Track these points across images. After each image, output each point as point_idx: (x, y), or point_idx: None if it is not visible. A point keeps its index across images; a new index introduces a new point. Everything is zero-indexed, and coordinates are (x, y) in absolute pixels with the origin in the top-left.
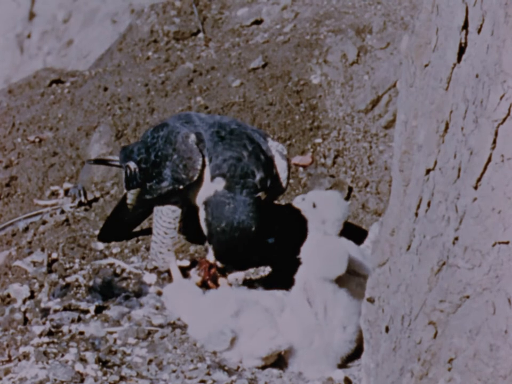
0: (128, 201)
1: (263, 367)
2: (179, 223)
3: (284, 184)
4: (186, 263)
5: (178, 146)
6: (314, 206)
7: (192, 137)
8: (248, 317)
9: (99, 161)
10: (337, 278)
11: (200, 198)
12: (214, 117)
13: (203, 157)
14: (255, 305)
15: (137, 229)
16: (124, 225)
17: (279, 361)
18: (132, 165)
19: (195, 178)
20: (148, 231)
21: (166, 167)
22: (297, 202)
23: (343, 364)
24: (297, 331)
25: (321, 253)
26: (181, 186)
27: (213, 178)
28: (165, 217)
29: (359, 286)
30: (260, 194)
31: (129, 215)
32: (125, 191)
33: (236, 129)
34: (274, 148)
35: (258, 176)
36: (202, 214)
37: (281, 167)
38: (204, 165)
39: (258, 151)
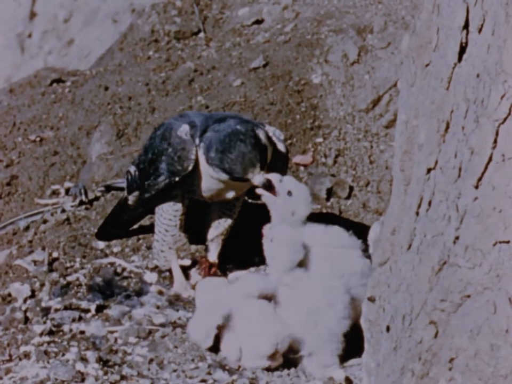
0: (130, 202)
1: (268, 369)
2: (180, 219)
3: (283, 167)
4: (187, 262)
5: (173, 140)
6: (289, 194)
7: (185, 127)
8: (244, 316)
9: (110, 187)
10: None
11: (204, 186)
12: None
13: (196, 146)
14: (251, 303)
15: (138, 227)
16: (123, 224)
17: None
18: (132, 168)
19: (190, 168)
20: (149, 230)
21: (161, 161)
22: (274, 178)
23: (344, 358)
24: (299, 319)
25: (278, 246)
26: (177, 178)
27: (202, 137)
28: (166, 214)
29: (327, 258)
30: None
31: (129, 215)
32: (126, 195)
33: (231, 114)
34: (272, 133)
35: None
36: (210, 169)
37: (280, 148)
38: (197, 145)
39: (254, 128)
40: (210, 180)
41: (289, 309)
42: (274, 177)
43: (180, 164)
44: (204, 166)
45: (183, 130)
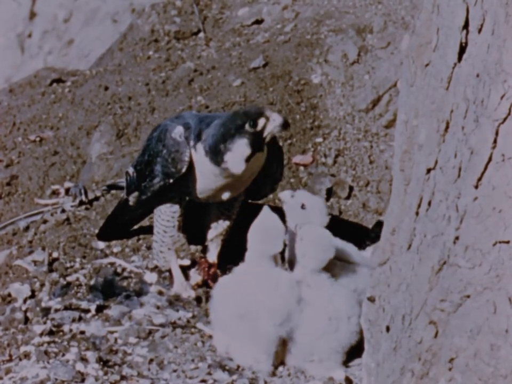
0: (130, 203)
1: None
2: (178, 220)
3: (279, 167)
4: (187, 262)
5: (167, 141)
6: (303, 207)
7: (179, 129)
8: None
9: (113, 187)
10: (327, 265)
11: (199, 188)
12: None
13: (190, 148)
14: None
15: (138, 228)
16: (123, 224)
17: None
18: (130, 170)
19: (183, 170)
20: (149, 230)
21: (156, 163)
22: (285, 197)
23: (345, 360)
24: (316, 322)
25: (307, 244)
26: (171, 180)
27: (199, 138)
28: (164, 216)
29: (354, 273)
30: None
31: (130, 215)
32: (125, 196)
33: (225, 114)
34: (266, 131)
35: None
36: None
37: (275, 148)
38: (192, 147)
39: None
40: (206, 181)
41: (308, 311)
42: (285, 194)
43: (173, 166)
44: (199, 167)
45: (177, 132)
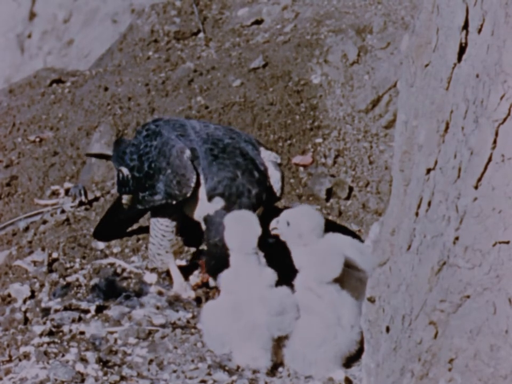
0: (123, 201)
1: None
2: (176, 226)
3: (278, 194)
4: (185, 262)
5: (173, 160)
6: (288, 224)
7: (187, 153)
8: (243, 326)
9: (97, 156)
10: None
11: (197, 214)
12: (208, 128)
13: (197, 175)
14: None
15: (137, 228)
16: (119, 223)
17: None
18: (125, 171)
19: (188, 195)
20: (148, 230)
21: (159, 180)
22: (273, 226)
23: (344, 364)
24: (317, 329)
25: (315, 258)
26: (174, 202)
27: (210, 198)
28: (162, 221)
29: (358, 281)
30: (257, 212)
31: (125, 215)
32: (117, 193)
33: (229, 144)
34: (267, 158)
35: (254, 192)
36: (203, 226)
37: (275, 178)
38: (198, 183)
39: (252, 167)
40: (205, 208)
41: (310, 318)
42: (272, 225)
43: (178, 189)
44: (202, 195)
45: (186, 155)
